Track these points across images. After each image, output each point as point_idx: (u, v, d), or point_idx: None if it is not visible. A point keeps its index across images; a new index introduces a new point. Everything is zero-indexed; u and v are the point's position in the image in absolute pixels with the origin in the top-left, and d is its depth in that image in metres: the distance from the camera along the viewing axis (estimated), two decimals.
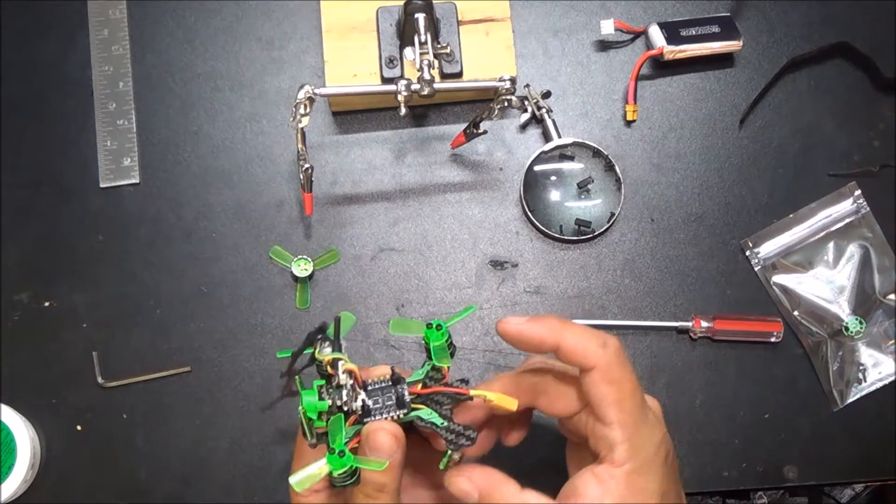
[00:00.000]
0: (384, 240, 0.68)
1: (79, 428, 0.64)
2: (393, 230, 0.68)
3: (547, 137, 0.68)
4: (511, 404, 0.47)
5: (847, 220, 0.68)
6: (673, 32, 0.68)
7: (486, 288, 0.67)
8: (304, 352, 0.46)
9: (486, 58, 0.66)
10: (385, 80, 0.65)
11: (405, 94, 0.59)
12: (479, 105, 0.69)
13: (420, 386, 0.48)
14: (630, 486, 0.44)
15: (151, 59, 0.70)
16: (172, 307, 0.66)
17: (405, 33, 0.64)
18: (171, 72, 0.70)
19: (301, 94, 0.58)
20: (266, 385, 0.65)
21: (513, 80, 0.60)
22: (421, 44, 0.62)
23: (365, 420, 0.46)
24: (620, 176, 0.68)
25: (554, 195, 0.67)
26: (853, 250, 0.68)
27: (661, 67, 0.70)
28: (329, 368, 0.46)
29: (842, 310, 0.67)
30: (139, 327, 0.66)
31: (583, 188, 0.67)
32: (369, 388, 0.47)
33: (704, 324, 0.65)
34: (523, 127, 0.69)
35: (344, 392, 0.45)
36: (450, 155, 0.69)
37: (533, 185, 0.68)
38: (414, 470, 0.52)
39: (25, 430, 0.62)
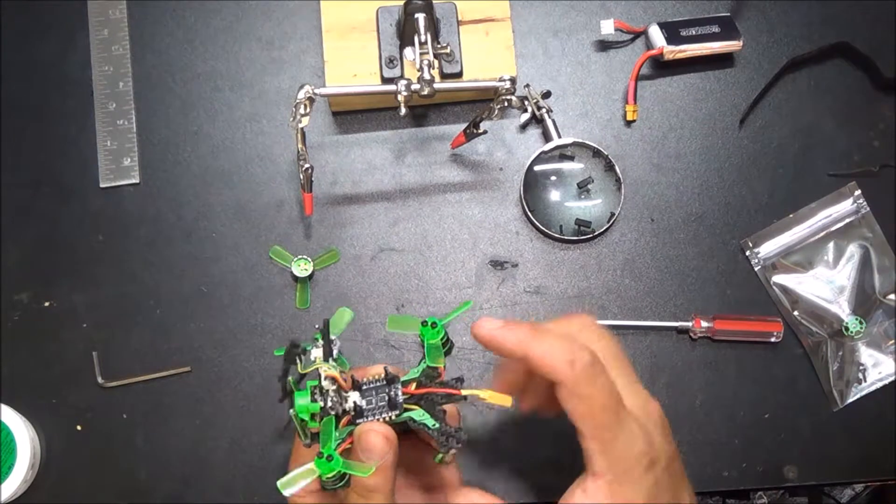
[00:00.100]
0: (384, 240, 0.68)
1: (79, 428, 0.64)
2: (393, 230, 0.68)
3: (547, 137, 0.68)
4: (505, 401, 0.47)
5: (847, 220, 0.68)
6: (673, 32, 0.68)
7: (486, 288, 0.67)
8: (289, 369, 0.46)
9: (486, 58, 0.66)
10: (385, 80, 0.65)
11: (405, 94, 0.59)
12: (479, 105, 0.69)
13: (415, 385, 0.48)
14: (612, 497, 0.44)
15: (151, 59, 0.70)
16: (172, 307, 0.66)
17: (405, 33, 0.64)
18: (171, 72, 0.70)
19: (301, 94, 0.58)
20: (266, 385, 0.65)
21: (513, 80, 0.60)
22: (421, 44, 0.62)
23: (358, 421, 0.46)
24: (620, 176, 0.68)
25: (554, 195, 0.67)
26: (853, 250, 0.68)
27: (661, 67, 0.70)
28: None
29: (842, 310, 0.67)
30: (139, 327, 0.66)
31: (583, 188, 0.67)
32: (364, 387, 0.47)
33: (704, 324, 0.65)
34: (523, 127, 0.69)
35: (329, 399, 0.45)
36: (450, 155, 0.69)
37: (533, 185, 0.68)
38: (407, 470, 0.52)
39: (25, 430, 0.62)
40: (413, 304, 0.67)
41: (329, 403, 0.45)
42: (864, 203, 0.68)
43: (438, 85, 0.60)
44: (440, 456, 0.48)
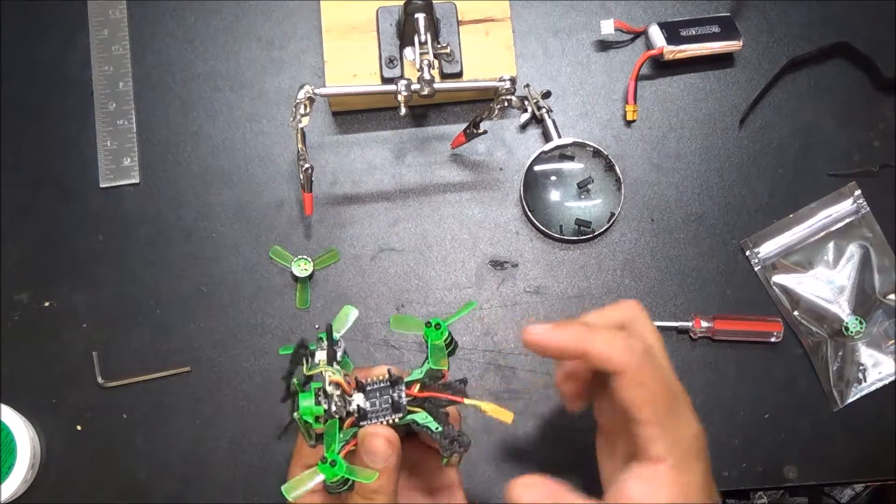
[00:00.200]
0: (384, 240, 0.68)
1: (79, 428, 0.64)
2: (393, 230, 0.68)
3: (547, 137, 0.68)
4: (507, 417, 0.47)
5: (847, 220, 0.68)
6: (673, 32, 0.68)
7: (486, 288, 0.67)
8: (293, 370, 0.46)
9: (486, 58, 0.66)
10: (385, 80, 0.65)
11: (405, 94, 0.59)
12: (479, 105, 0.69)
13: (419, 386, 0.48)
14: (677, 482, 0.44)
15: (151, 59, 0.70)
16: (172, 307, 0.66)
17: (405, 33, 0.64)
18: (171, 72, 0.70)
19: (301, 94, 0.58)
20: (266, 385, 0.65)
21: (513, 80, 0.60)
22: (421, 44, 0.62)
23: (361, 423, 0.46)
24: (620, 176, 0.68)
25: (554, 195, 0.67)
26: (853, 250, 0.68)
27: (661, 67, 0.70)
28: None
29: (842, 310, 0.67)
30: (139, 327, 0.66)
31: (583, 188, 0.67)
32: (368, 388, 0.47)
33: (704, 324, 0.65)
34: (523, 127, 0.69)
35: (333, 404, 0.45)
36: (450, 155, 0.69)
37: (533, 185, 0.68)
38: (410, 471, 0.52)
39: (25, 430, 0.62)
40: (413, 304, 0.67)
41: (333, 408, 0.45)
42: (864, 203, 0.68)
43: (438, 85, 0.60)
44: (446, 459, 0.48)
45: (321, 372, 0.46)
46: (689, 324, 0.66)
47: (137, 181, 0.68)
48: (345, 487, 0.45)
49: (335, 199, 0.68)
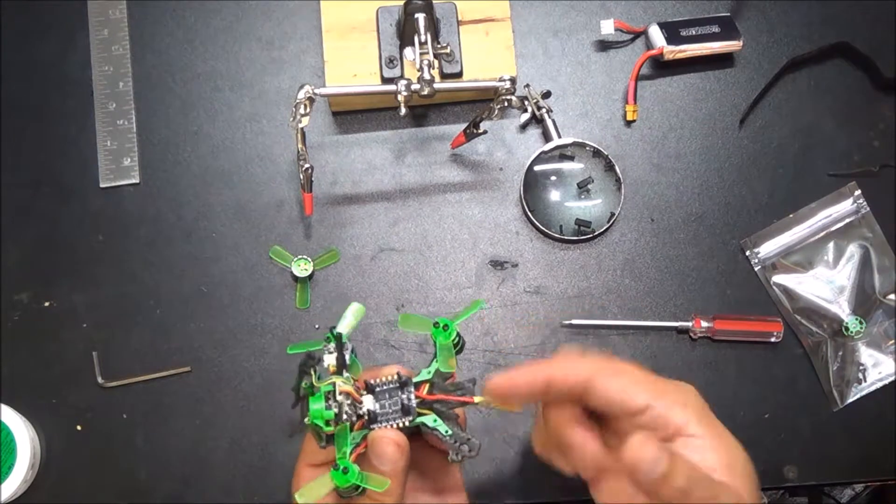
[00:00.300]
0: (384, 240, 0.68)
1: (79, 428, 0.64)
2: (393, 230, 0.68)
3: (547, 137, 0.68)
4: (516, 407, 0.47)
5: (847, 220, 0.68)
6: (673, 32, 0.68)
7: (486, 288, 0.67)
8: (302, 380, 0.46)
9: (486, 58, 0.66)
10: (385, 80, 0.65)
11: (405, 94, 0.59)
12: (479, 105, 0.69)
13: (427, 387, 0.48)
14: (718, 440, 0.47)
15: (151, 59, 0.70)
16: (172, 307, 0.66)
17: (405, 33, 0.64)
18: (171, 72, 0.70)
19: (301, 94, 0.58)
20: (266, 385, 0.65)
21: (513, 80, 0.60)
22: (421, 44, 0.62)
23: (371, 426, 0.46)
24: (620, 176, 0.68)
25: (554, 195, 0.67)
26: (853, 250, 0.68)
27: (661, 67, 0.70)
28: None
29: (842, 310, 0.67)
30: (139, 327, 0.66)
31: (583, 188, 0.67)
32: (377, 390, 0.47)
33: (704, 324, 0.65)
34: (523, 127, 0.69)
35: (343, 413, 0.45)
36: (450, 155, 0.69)
37: (533, 185, 0.68)
38: (417, 472, 0.52)
39: (25, 430, 0.62)
40: (413, 304, 0.67)
41: (344, 416, 0.45)
42: (864, 203, 0.68)
43: (438, 85, 0.60)
44: (454, 459, 0.48)
45: (332, 382, 0.46)
46: (689, 324, 0.66)
47: (137, 181, 0.68)
48: (357, 493, 0.45)
49: (335, 199, 0.68)
